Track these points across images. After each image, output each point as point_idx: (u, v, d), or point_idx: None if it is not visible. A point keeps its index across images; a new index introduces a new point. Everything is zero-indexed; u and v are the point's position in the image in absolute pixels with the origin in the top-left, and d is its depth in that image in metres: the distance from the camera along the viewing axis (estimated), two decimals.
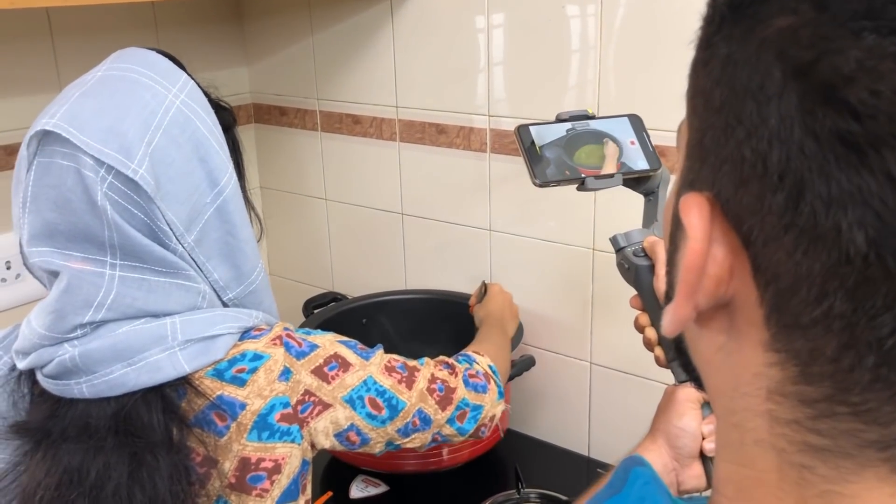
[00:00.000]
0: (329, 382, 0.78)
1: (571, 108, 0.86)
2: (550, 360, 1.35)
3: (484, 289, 1.27)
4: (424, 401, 0.85)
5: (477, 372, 0.93)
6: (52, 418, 0.74)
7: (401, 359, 0.87)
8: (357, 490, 1.23)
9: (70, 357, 0.72)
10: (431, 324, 1.41)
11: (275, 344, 0.77)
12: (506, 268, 1.38)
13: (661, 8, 1.09)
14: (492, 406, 0.93)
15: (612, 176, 0.82)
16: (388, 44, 1.40)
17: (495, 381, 0.95)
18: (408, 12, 1.36)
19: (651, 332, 0.80)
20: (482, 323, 1.18)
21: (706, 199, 0.32)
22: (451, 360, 0.93)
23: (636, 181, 0.84)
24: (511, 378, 1.20)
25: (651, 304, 0.79)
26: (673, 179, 0.38)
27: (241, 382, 0.74)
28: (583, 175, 0.81)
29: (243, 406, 0.73)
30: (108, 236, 0.72)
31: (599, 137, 0.84)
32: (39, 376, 0.76)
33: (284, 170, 1.66)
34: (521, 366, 1.21)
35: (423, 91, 1.39)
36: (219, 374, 0.75)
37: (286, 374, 0.76)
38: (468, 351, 1.00)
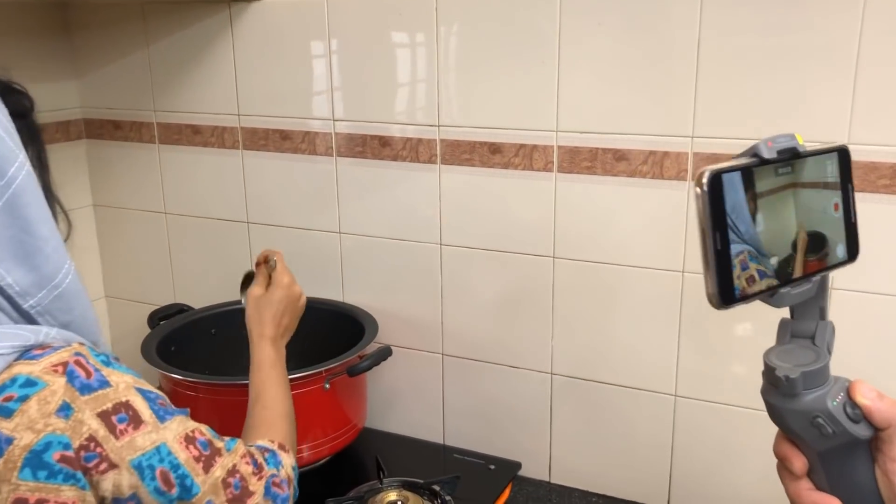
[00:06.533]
0: (118, 438, 0.68)
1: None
2: (405, 356, 1.38)
3: (271, 264, 1.08)
4: (216, 493, 0.76)
5: (281, 481, 0.86)
6: None
7: (208, 434, 0.77)
8: None
9: None
10: None
11: (55, 371, 0.67)
12: (357, 269, 1.40)
13: (488, 30, 1.18)
14: None
15: (809, 280, 0.52)
16: (229, 53, 1.40)
17: (294, 488, 0.89)
18: (247, 20, 1.37)
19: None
20: (259, 335, 1.04)
21: None
22: (260, 459, 0.84)
23: None
24: (366, 370, 1.21)
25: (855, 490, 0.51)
26: None
27: (7, 413, 0.65)
28: (777, 282, 0.50)
29: (9, 440, 0.64)
30: None
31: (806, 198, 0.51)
32: None
33: (119, 186, 1.60)
34: (377, 356, 1.23)
35: (266, 98, 1.40)
36: None
37: (65, 409, 0.66)
38: (263, 441, 0.91)
